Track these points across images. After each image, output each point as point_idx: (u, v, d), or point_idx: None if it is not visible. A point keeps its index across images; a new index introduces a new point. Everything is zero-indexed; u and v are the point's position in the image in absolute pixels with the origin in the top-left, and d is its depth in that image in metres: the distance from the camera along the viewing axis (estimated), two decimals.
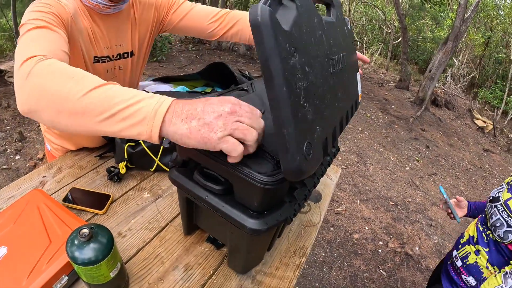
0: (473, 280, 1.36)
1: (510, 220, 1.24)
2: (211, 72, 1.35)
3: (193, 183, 0.67)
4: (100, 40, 1.01)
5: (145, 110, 0.54)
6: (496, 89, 8.97)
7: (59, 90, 0.58)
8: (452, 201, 1.67)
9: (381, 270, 2.58)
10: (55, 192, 1.06)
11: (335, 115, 0.65)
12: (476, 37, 9.44)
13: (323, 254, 2.62)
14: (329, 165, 0.81)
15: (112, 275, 0.72)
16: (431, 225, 3.36)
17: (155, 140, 0.55)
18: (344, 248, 2.73)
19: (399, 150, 5.10)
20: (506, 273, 1.14)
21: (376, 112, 6.40)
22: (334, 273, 2.44)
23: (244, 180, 0.57)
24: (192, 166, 0.72)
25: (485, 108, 8.42)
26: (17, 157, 2.75)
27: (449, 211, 1.66)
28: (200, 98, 0.56)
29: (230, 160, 0.56)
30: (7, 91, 3.64)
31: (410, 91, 7.97)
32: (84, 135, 1.22)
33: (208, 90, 1.39)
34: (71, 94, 0.57)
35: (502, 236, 1.25)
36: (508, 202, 1.29)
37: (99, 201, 1.01)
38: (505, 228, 1.24)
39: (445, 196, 1.67)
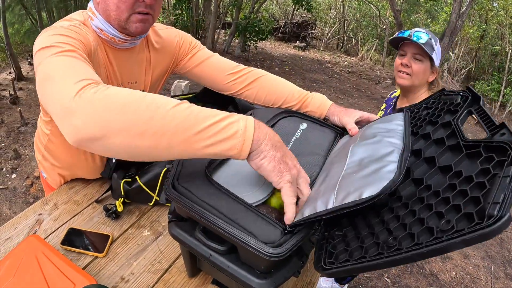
0: None
1: None
2: (207, 93, 1.31)
3: (196, 241, 0.64)
4: (113, 76, 0.98)
5: (236, 125, 0.58)
6: (493, 82, 8.95)
7: (137, 110, 0.56)
8: None
9: (385, 278, 2.57)
10: (53, 232, 1.03)
11: None
12: (471, 30, 9.42)
13: None
14: None
15: None
16: None
17: (245, 155, 0.59)
18: None
19: None
20: None
21: (374, 111, 6.39)
22: None
23: (249, 251, 0.55)
24: (193, 221, 0.69)
25: None
26: (13, 175, 2.71)
27: None
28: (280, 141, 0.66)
29: (286, 216, 0.62)
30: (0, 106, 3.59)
31: None
32: (82, 171, 1.18)
33: None
34: (154, 113, 0.56)
35: None
36: None
37: (99, 242, 0.98)
38: None
39: None
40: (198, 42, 1.17)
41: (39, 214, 1.10)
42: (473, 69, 9.94)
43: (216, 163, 0.71)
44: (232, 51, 8.08)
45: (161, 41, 1.07)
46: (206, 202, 0.59)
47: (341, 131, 1.03)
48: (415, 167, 0.66)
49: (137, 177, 1.05)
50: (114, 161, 1.07)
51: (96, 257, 0.94)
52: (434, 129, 0.71)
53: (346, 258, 0.56)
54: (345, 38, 12.02)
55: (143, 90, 1.04)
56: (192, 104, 0.59)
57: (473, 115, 0.69)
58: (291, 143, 0.90)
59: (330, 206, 0.58)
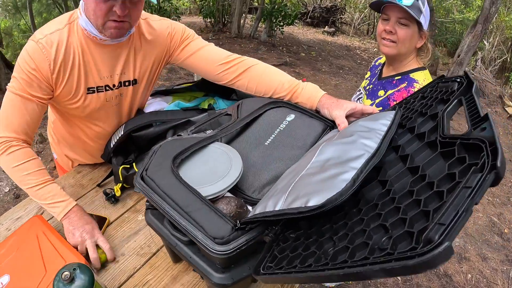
0: None
1: None
2: (206, 82, 1.33)
3: (165, 229, 0.68)
4: (97, 70, 1.02)
5: (57, 209, 1.00)
6: None
7: (15, 178, 1.00)
8: None
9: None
10: None
11: None
12: (507, 18, 8.82)
13: None
14: None
15: None
16: None
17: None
18: None
19: None
20: None
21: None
22: None
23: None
24: None
25: None
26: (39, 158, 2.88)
27: None
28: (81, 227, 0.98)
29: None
30: None
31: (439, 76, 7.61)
32: (85, 153, 1.27)
33: (211, 101, 1.38)
34: (23, 185, 1.00)
35: None
36: None
37: (97, 224, 1.05)
38: None
39: None
40: (192, 32, 1.17)
41: None
42: (509, 59, 9.35)
43: (186, 154, 0.74)
44: (258, 36, 8.02)
45: (153, 32, 1.09)
46: (166, 193, 0.62)
47: (331, 124, 1.00)
48: (389, 165, 0.62)
49: (134, 164, 1.11)
50: (112, 145, 1.12)
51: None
52: (421, 122, 0.67)
53: (282, 265, 0.55)
54: (376, 23, 11.61)
55: (134, 80, 1.09)
56: (43, 189, 1.00)
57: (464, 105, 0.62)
58: (273, 135, 0.91)
59: (277, 208, 0.58)
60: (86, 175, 1.27)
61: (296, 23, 9.32)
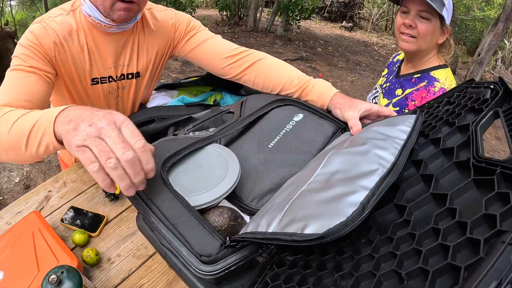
0: None
1: None
2: (212, 76, 1.28)
3: (155, 237, 0.64)
4: (101, 60, 0.98)
5: (44, 124, 0.61)
6: None
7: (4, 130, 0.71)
8: None
9: None
10: (57, 209, 1.09)
11: None
12: None
13: None
14: None
15: None
16: None
17: (62, 147, 0.61)
18: None
19: None
20: None
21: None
22: None
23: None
24: None
25: None
26: None
27: None
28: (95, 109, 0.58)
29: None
30: None
31: (457, 75, 7.39)
32: None
33: (219, 96, 1.34)
34: (3, 135, 0.70)
35: None
36: None
37: (94, 222, 1.02)
38: None
39: None
40: (197, 23, 1.11)
41: (49, 191, 1.16)
42: None
43: (178, 157, 0.68)
44: (275, 30, 7.94)
45: (157, 23, 1.05)
46: (152, 200, 0.58)
47: (343, 126, 0.93)
48: (408, 185, 0.51)
49: None
50: None
51: (91, 236, 0.98)
52: (448, 133, 0.56)
53: None
54: (394, 19, 11.34)
55: (137, 73, 1.05)
56: (26, 115, 0.68)
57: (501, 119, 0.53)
58: (278, 137, 0.85)
59: (270, 230, 0.50)
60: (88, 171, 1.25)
61: (313, 17, 9.18)
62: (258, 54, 1.07)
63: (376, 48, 8.73)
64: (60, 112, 0.59)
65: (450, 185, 0.46)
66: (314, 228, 0.43)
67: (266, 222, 0.52)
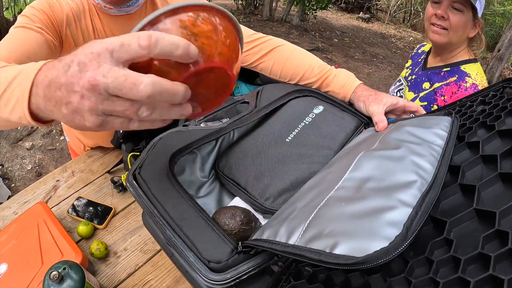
0: None
1: None
2: None
3: (162, 235, 0.59)
4: None
5: (18, 90, 0.43)
6: None
7: None
8: None
9: None
10: (65, 199, 1.06)
11: None
12: None
13: None
14: None
15: None
16: None
17: (35, 122, 0.43)
18: None
19: None
20: None
21: None
22: None
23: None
24: None
25: None
26: (61, 137, 2.90)
27: None
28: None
29: None
30: None
31: None
32: (95, 136, 1.20)
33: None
34: None
35: None
36: None
37: (101, 213, 0.99)
38: None
39: None
40: None
41: (57, 181, 1.13)
42: None
43: (187, 152, 0.63)
44: (290, 20, 7.80)
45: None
46: (157, 198, 0.52)
47: (366, 120, 0.87)
48: (445, 194, 0.45)
49: None
50: (121, 130, 1.05)
51: (96, 228, 0.95)
52: (487, 138, 0.50)
53: None
54: (412, 11, 11.02)
55: None
56: (5, 68, 0.49)
57: None
58: (296, 130, 0.79)
59: (291, 241, 0.44)
60: (97, 160, 1.21)
61: (329, 7, 9.01)
62: (276, 41, 0.99)
63: (394, 41, 8.51)
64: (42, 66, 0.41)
65: (494, 200, 0.39)
66: (345, 248, 0.37)
67: (286, 232, 0.46)
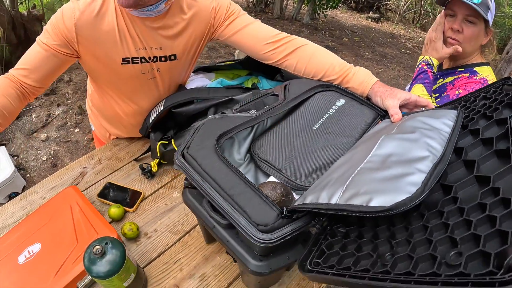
0: None
1: None
2: (251, 60, 1.27)
3: (203, 210, 0.64)
4: (132, 41, 0.98)
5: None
6: None
7: None
8: None
9: None
10: (92, 185, 1.11)
11: None
12: None
13: None
14: None
15: (125, 284, 0.74)
16: None
17: None
18: None
19: None
20: None
21: None
22: None
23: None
24: None
25: None
26: (77, 130, 2.95)
27: None
28: None
29: None
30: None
31: None
32: (122, 127, 1.25)
33: (255, 80, 1.33)
34: None
35: None
36: None
37: (131, 198, 1.04)
38: None
39: None
40: (237, 8, 1.10)
41: (84, 167, 1.18)
42: None
43: (231, 135, 0.69)
44: (301, 18, 7.82)
45: (197, 8, 1.03)
46: (207, 172, 0.58)
47: (382, 113, 0.94)
48: (451, 169, 0.56)
49: (172, 140, 1.07)
50: (151, 120, 1.09)
51: (126, 211, 1.00)
52: (486, 126, 0.60)
53: (332, 264, 0.51)
54: (422, 11, 10.98)
55: (174, 56, 1.04)
56: None
57: None
58: (322, 120, 0.85)
59: (332, 201, 0.53)
60: (123, 149, 1.26)
61: (340, 7, 9.02)
62: (300, 41, 1.06)
63: (403, 41, 8.51)
64: None
65: (491, 170, 0.49)
66: (379, 201, 0.48)
67: (327, 195, 0.55)
